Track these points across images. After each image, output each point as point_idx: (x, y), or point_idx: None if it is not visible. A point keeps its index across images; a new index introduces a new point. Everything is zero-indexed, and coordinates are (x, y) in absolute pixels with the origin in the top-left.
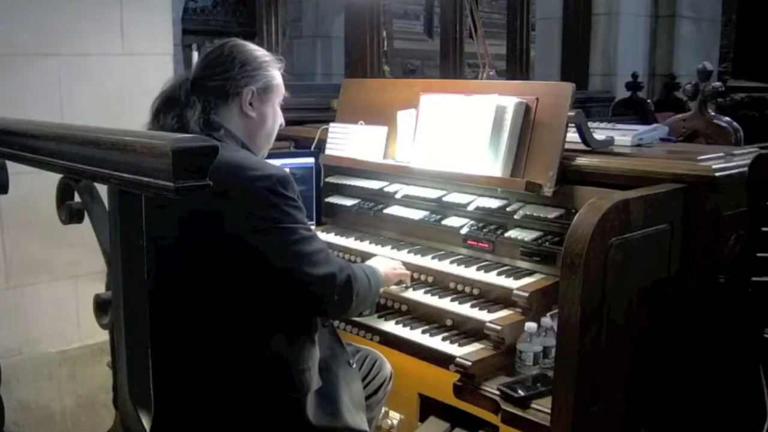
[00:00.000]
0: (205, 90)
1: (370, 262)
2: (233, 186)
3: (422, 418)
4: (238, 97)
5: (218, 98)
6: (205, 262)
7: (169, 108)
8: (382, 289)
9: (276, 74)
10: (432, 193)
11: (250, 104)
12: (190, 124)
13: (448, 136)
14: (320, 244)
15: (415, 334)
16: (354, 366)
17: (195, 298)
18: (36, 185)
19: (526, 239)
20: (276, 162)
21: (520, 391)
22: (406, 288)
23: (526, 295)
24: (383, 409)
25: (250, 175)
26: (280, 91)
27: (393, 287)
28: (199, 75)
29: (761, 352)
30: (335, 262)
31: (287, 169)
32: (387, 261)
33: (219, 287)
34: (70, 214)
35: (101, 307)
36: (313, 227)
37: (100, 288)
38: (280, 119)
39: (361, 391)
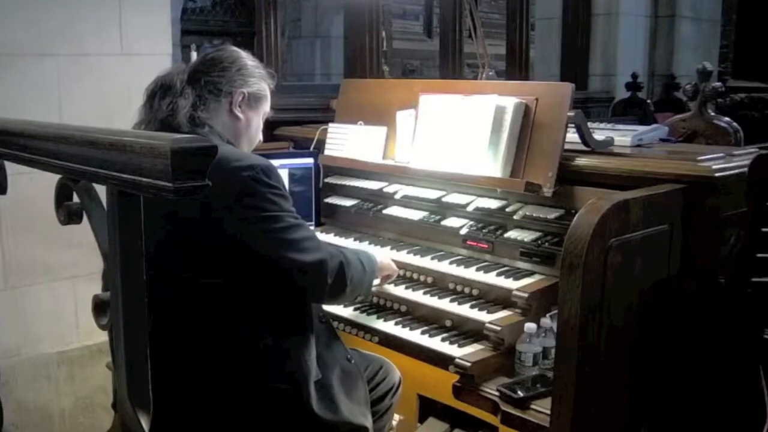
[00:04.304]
0: (200, 83)
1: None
2: (217, 178)
3: (422, 419)
4: (230, 96)
5: (211, 93)
6: (195, 255)
7: (164, 94)
8: (376, 281)
9: (267, 88)
10: (431, 194)
11: (239, 106)
12: (180, 115)
13: (448, 136)
14: (308, 231)
15: (415, 335)
16: (353, 362)
17: (188, 293)
18: (34, 186)
19: (525, 240)
20: (275, 162)
21: (519, 392)
22: (394, 286)
23: (526, 295)
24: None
25: (233, 165)
26: (267, 104)
27: (389, 286)
28: (197, 69)
29: (761, 353)
30: (325, 249)
31: (286, 169)
32: (382, 251)
33: (210, 280)
34: (69, 215)
35: (100, 307)
36: (312, 228)
37: (99, 289)
38: (261, 134)
39: (363, 389)
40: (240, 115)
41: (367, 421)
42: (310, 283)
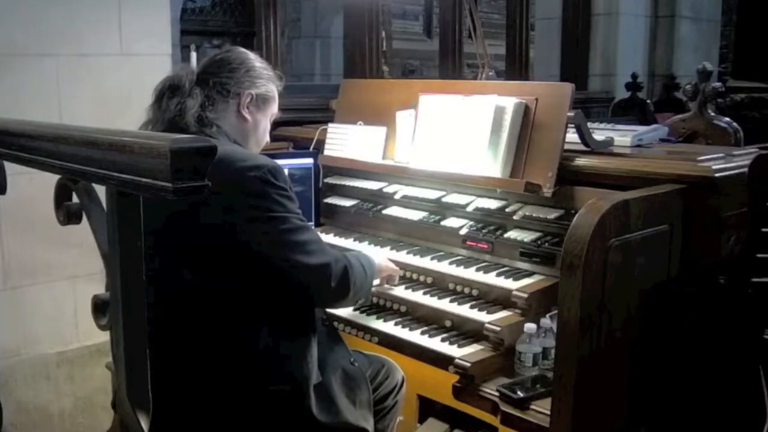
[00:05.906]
0: (209, 84)
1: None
2: (223, 177)
3: (421, 420)
4: (238, 97)
5: (219, 94)
6: (199, 255)
7: (172, 94)
8: (375, 281)
9: (275, 90)
10: (431, 194)
11: (247, 107)
12: (188, 115)
13: (448, 136)
14: (314, 234)
15: (415, 335)
16: (356, 365)
17: (188, 293)
18: (34, 186)
19: (525, 240)
20: None
21: (519, 393)
22: (394, 286)
23: (526, 296)
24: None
25: (240, 165)
26: (274, 106)
27: (388, 286)
28: (205, 70)
29: (761, 353)
30: (330, 252)
31: (286, 169)
32: (381, 252)
33: (214, 280)
34: (69, 215)
35: (99, 308)
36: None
37: (99, 289)
38: (268, 135)
39: (366, 391)
40: (247, 116)
41: (368, 424)
42: (313, 286)
